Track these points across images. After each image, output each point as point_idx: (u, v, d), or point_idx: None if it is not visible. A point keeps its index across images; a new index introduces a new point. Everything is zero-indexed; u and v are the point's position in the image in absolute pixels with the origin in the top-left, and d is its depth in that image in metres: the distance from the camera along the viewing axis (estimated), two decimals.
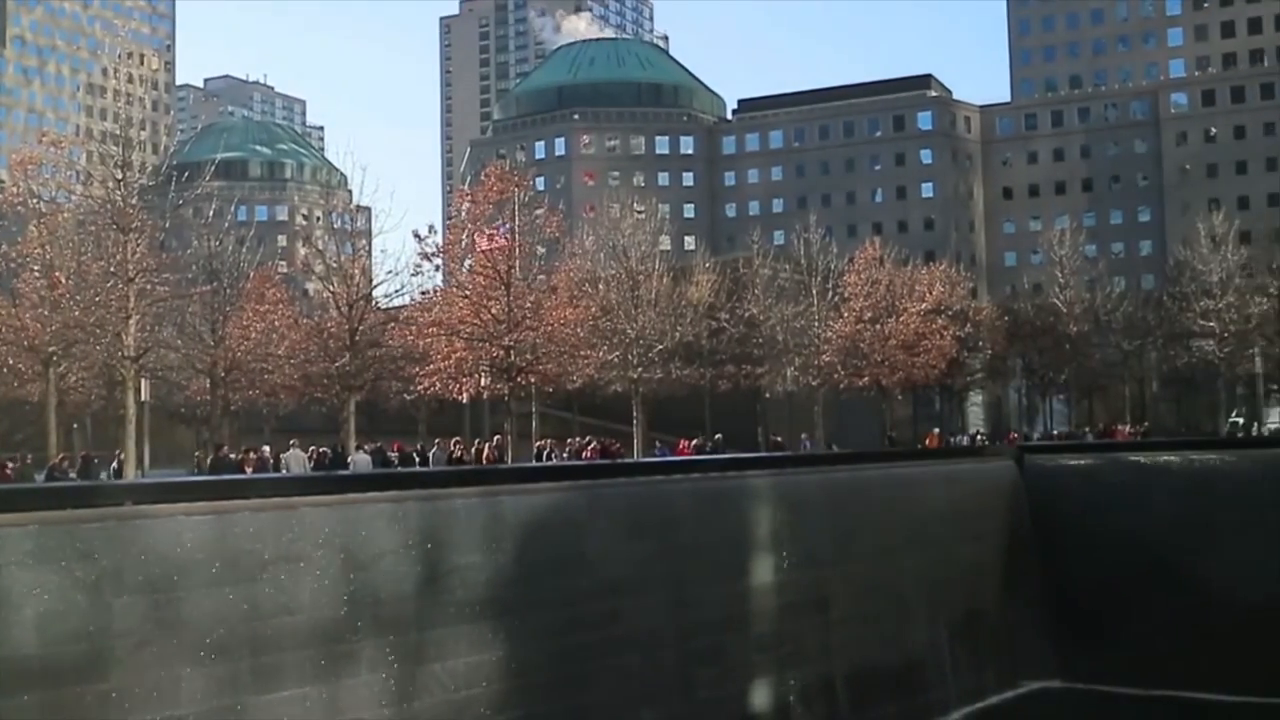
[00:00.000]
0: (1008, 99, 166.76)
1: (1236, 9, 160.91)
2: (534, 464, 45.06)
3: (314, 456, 43.69)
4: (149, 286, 48.89)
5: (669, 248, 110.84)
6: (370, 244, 66.29)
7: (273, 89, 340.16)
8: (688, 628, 28.02)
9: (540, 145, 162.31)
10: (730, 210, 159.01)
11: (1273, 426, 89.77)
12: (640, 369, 65.39)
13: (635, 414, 65.58)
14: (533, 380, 54.52)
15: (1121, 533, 41.98)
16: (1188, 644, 39.62)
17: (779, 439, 65.16)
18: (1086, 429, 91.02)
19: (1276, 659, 38.08)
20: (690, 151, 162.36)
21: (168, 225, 54.95)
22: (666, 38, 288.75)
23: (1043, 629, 41.59)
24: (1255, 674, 37.97)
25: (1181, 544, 40.99)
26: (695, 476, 32.47)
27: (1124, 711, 38.94)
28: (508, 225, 52.85)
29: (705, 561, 29.10)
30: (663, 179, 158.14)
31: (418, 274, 56.26)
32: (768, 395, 79.10)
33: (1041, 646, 41.23)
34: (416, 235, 54.85)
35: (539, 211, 58.23)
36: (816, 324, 74.29)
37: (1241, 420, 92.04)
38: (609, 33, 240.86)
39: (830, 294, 76.36)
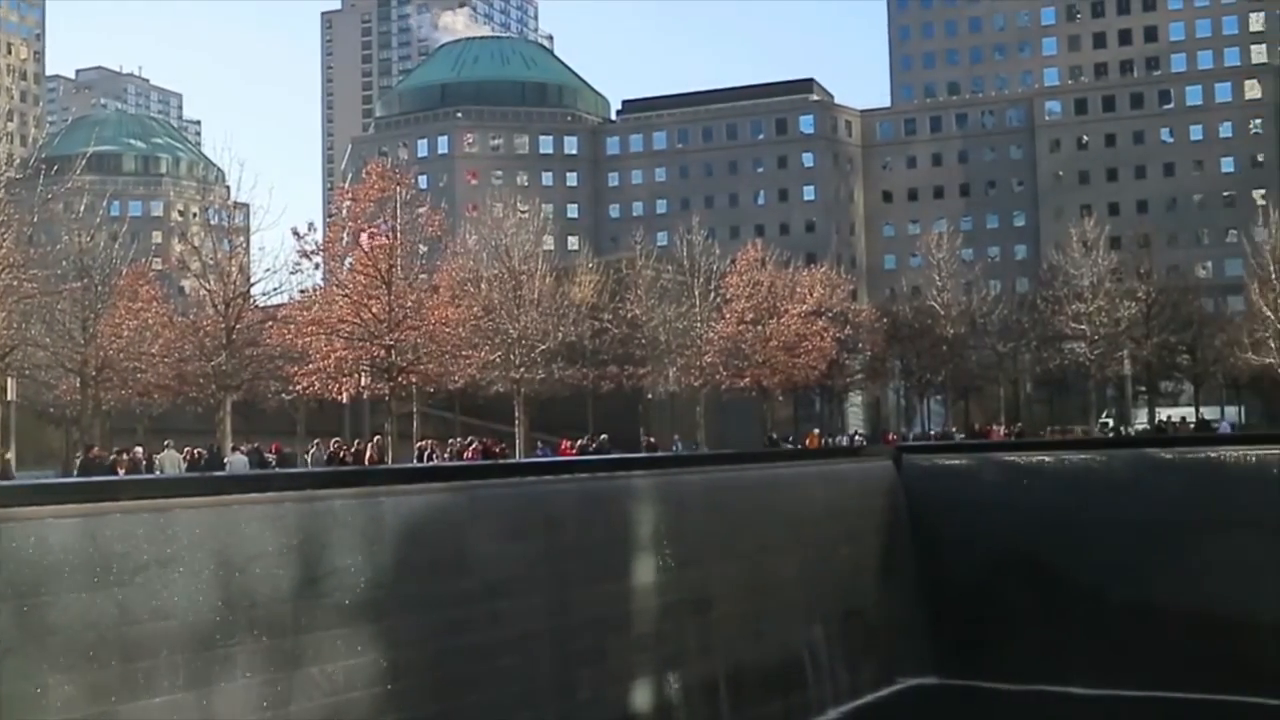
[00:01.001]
0: (888, 104, 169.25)
1: (1108, 21, 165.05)
2: (415, 465, 44.69)
3: (189, 457, 42.85)
4: (15, 283, 47.51)
5: (552, 248, 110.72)
6: (248, 241, 64.85)
7: (148, 81, 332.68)
8: (569, 629, 28.02)
9: (423, 143, 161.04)
10: (614, 211, 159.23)
11: (1141, 427, 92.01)
12: (523, 369, 65.17)
13: (518, 414, 65.35)
14: (414, 380, 53.97)
15: (996, 531, 42.89)
16: (1061, 639, 40.61)
17: (652, 439, 65.21)
18: (951, 428, 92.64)
19: (1145, 653, 39.20)
20: (574, 152, 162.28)
21: (36, 220, 53.43)
22: (551, 37, 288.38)
23: (919, 626, 42.31)
24: (1125, 668, 39.03)
25: (1054, 542, 42.00)
26: (578, 477, 32.54)
27: (998, 706, 39.77)
28: (389, 223, 52.26)
29: (587, 562, 29.14)
30: (547, 179, 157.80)
31: (297, 272, 55.25)
32: (650, 396, 79.30)
33: (918, 644, 41.95)
34: (296, 233, 53.86)
35: (421, 210, 57.62)
36: (699, 325, 74.67)
37: (1111, 421, 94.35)
38: (490, 31, 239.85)
39: (712, 295, 76.77)
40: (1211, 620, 38.73)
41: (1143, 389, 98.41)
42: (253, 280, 58.55)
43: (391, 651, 22.78)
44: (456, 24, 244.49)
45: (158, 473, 36.50)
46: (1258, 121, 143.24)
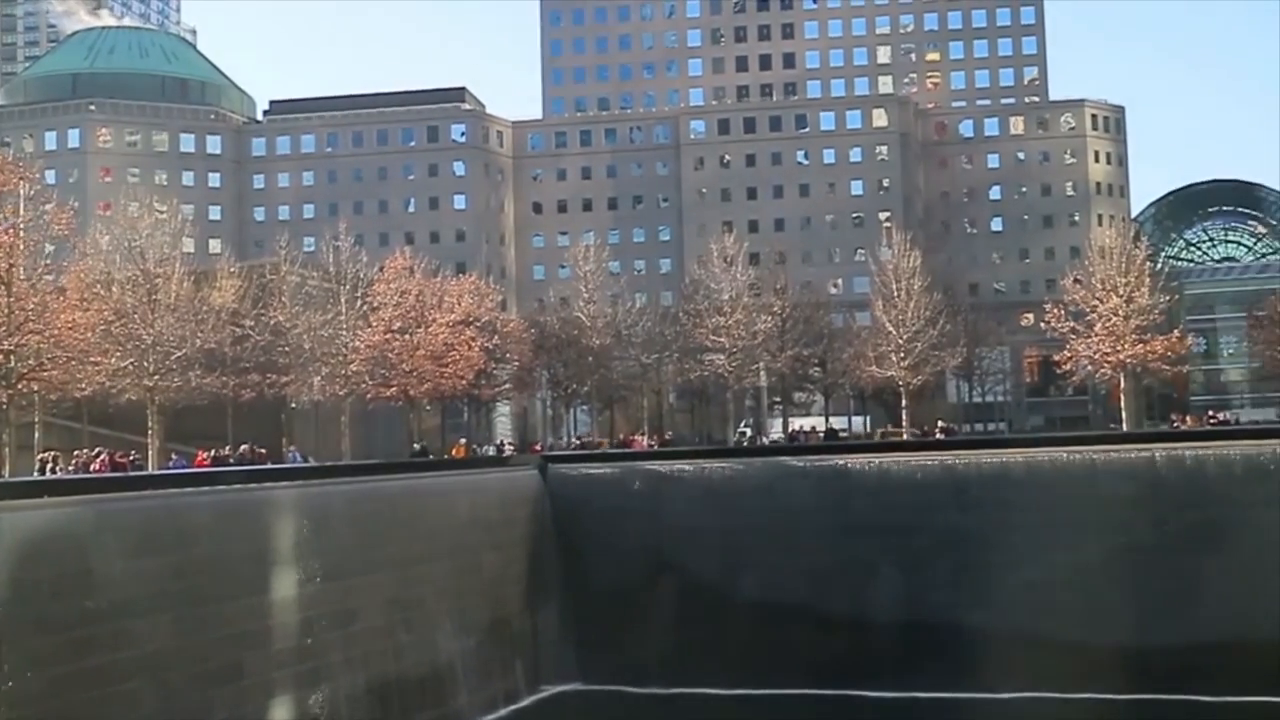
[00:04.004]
0: (540, 116, 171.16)
1: (750, 46, 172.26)
2: (36, 478, 42.18)
3: None
4: None
5: (192, 250, 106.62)
6: None
7: None
8: (204, 647, 27.02)
9: (51, 136, 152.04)
10: (259, 214, 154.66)
11: (776, 437, 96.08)
12: (157, 376, 62.38)
13: (151, 424, 62.50)
14: (36, 388, 51.00)
15: (639, 539, 43.90)
16: (700, 643, 41.90)
17: (263, 450, 63.06)
18: (580, 438, 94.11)
19: (776, 653, 40.93)
20: (217, 151, 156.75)
21: None
22: (195, 31, 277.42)
23: (564, 634, 42.85)
24: (758, 669, 40.64)
25: (694, 549, 43.35)
26: (214, 490, 31.39)
27: (641, 710, 40.69)
28: (10, 220, 49.25)
29: (224, 577, 28.18)
30: (187, 179, 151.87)
31: None
32: (294, 405, 77.42)
33: (563, 651, 42.48)
34: None
35: (48, 206, 54.56)
36: (345, 333, 73.39)
37: (749, 430, 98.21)
38: (128, 20, 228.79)
39: (359, 303, 75.69)
40: (835, 620, 40.85)
41: (778, 399, 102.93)
42: None
43: (10, 678, 21.40)
44: (80, 10, 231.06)
45: None
46: (884, 148, 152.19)
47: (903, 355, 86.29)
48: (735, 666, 40.79)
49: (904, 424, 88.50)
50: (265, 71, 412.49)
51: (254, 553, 29.65)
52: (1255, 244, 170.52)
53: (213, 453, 56.43)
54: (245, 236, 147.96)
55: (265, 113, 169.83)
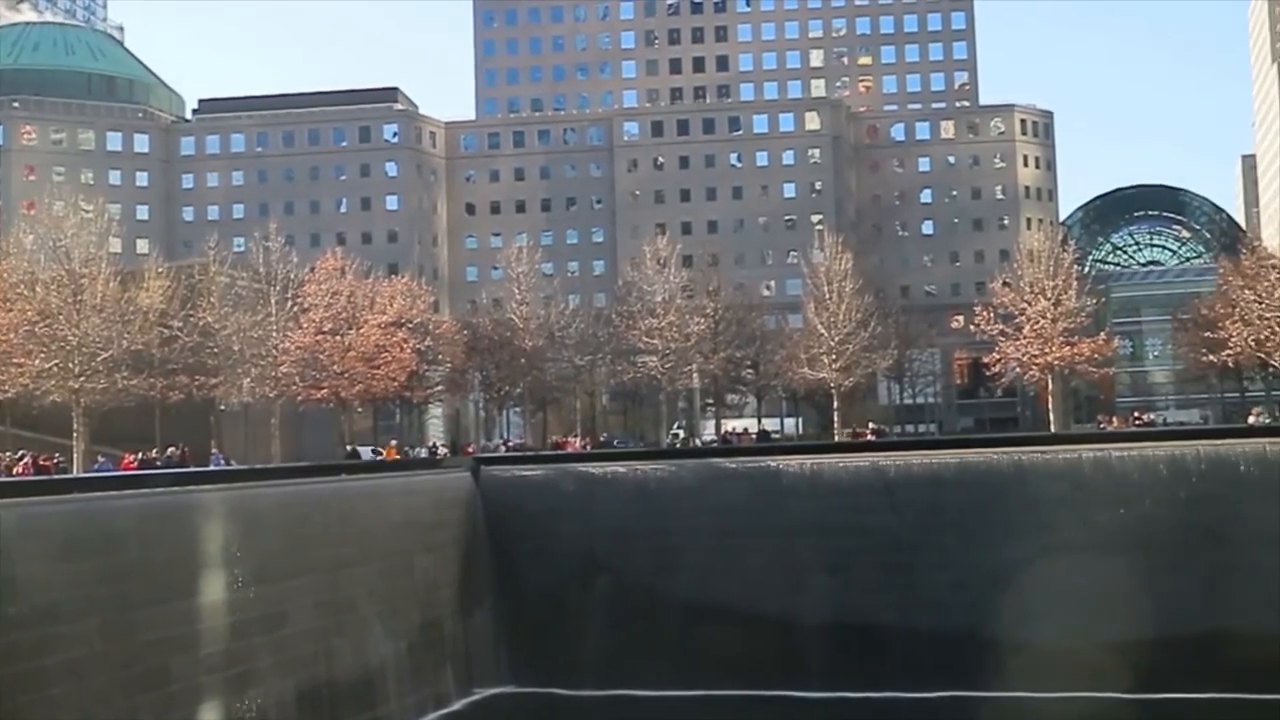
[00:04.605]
0: (473, 117, 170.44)
1: (683, 49, 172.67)
2: None
3: None
4: None
5: (119, 250, 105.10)
6: None
7: None
8: (130, 652, 26.69)
9: None
10: (188, 214, 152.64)
11: (709, 438, 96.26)
12: (83, 378, 61.48)
13: (76, 426, 61.60)
14: None
15: (571, 541, 43.88)
16: (631, 644, 41.94)
17: (184, 450, 62.30)
18: (503, 441, 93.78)
19: (705, 654, 41.06)
20: (145, 150, 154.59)
21: None
22: (122, 28, 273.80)
23: (496, 636, 42.77)
24: (688, 669, 40.73)
25: (625, 550, 43.39)
26: (140, 493, 31.01)
27: (573, 712, 40.69)
28: None
29: (151, 581, 27.86)
30: (114, 177, 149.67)
31: None
32: (223, 407, 76.60)
33: (496, 653, 42.40)
34: None
35: None
36: (275, 334, 72.72)
37: (682, 432, 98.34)
38: (52, 17, 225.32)
39: (290, 304, 75.01)
40: (766, 621, 41.04)
41: (710, 401, 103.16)
42: None
43: None
44: (8, 6, 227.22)
45: None
46: (816, 151, 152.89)
47: (834, 357, 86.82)
48: (668, 668, 40.87)
49: (835, 425, 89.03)
50: (195, 70, 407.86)
51: (182, 557, 29.32)
52: (1180, 248, 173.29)
53: (140, 455, 55.70)
54: (174, 236, 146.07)
55: (194, 111, 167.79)
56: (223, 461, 60.61)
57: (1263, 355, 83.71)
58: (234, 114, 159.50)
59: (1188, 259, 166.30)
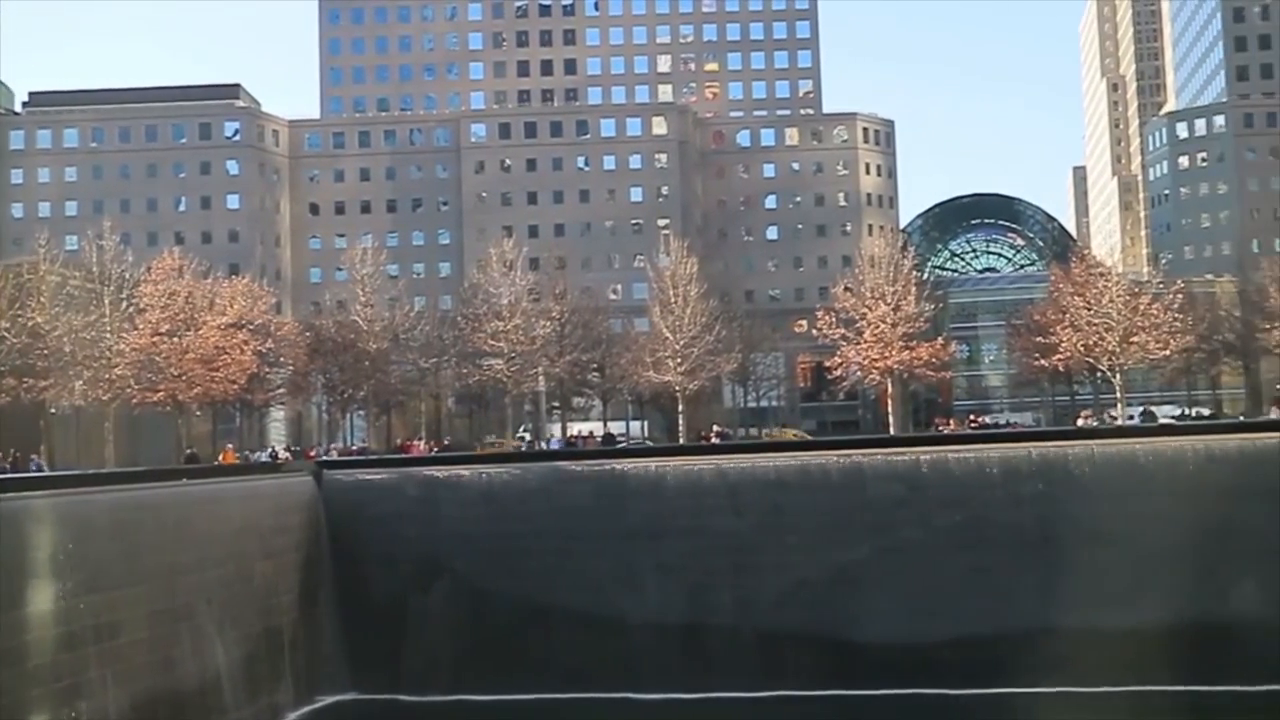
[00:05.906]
0: (318, 116, 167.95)
1: (531, 51, 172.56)
2: None
3: None
4: None
5: None
6: None
7: None
8: None
9: None
10: (17, 211, 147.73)
11: (554, 441, 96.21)
12: None
13: None
14: None
15: (415, 545, 43.45)
16: (475, 649, 41.69)
17: (15, 455, 60.31)
18: (332, 445, 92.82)
19: (546, 658, 41.05)
20: None
21: None
22: None
23: (338, 643, 42.12)
24: (529, 673, 40.63)
25: (468, 554, 43.10)
26: None
27: (415, 718, 40.29)
28: None
29: None
30: None
31: None
32: (54, 410, 74.35)
33: (337, 660, 41.75)
34: None
35: None
36: (109, 335, 70.84)
37: (528, 435, 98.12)
38: None
39: (125, 305, 73.18)
40: (609, 623, 41.16)
41: (556, 405, 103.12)
42: None
43: None
44: None
45: None
46: (662, 156, 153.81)
47: (680, 361, 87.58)
48: (511, 672, 40.75)
49: (680, 429, 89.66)
50: (25, 62, 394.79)
51: (6, 566, 28.33)
52: (1015, 255, 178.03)
53: None
54: (2, 234, 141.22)
55: (25, 104, 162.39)
56: (39, 467, 58.88)
57: (1091, 360, 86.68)
58: (67, 108, 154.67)
59: (1022, 266, 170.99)
